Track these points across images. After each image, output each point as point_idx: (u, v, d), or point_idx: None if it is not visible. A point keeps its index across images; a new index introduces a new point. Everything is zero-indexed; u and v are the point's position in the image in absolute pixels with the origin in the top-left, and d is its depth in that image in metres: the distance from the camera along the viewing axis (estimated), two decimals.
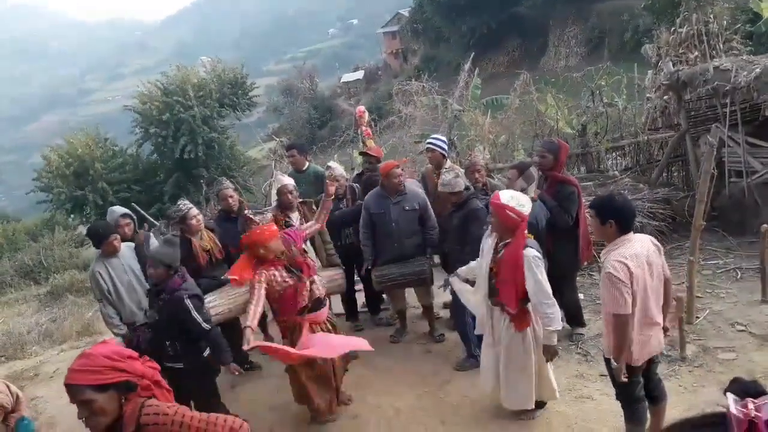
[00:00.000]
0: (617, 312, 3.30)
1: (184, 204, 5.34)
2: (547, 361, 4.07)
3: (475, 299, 4.37)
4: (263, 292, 4.28)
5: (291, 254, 4.43)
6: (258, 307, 4.21)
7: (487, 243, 4.16)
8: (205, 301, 4.56)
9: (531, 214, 4.52)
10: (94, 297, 5.31)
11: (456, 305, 5.04)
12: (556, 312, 3.88)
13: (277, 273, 4.35)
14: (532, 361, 4.09)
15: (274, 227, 4.51)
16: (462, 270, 4.54)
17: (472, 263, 4.45)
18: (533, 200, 4.70)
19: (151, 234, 5.89)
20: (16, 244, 19.47)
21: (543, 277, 3.84)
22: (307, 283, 4.46)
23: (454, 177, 4.97)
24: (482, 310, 4.29)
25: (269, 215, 4.96)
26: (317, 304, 4.54)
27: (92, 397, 2.08)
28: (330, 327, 4.69)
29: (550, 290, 3.86)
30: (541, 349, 4.03)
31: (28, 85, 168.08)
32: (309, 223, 4.95)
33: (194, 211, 5.31)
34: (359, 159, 8.25)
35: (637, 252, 3.36)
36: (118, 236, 5.14)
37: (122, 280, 5.06)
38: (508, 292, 3.95)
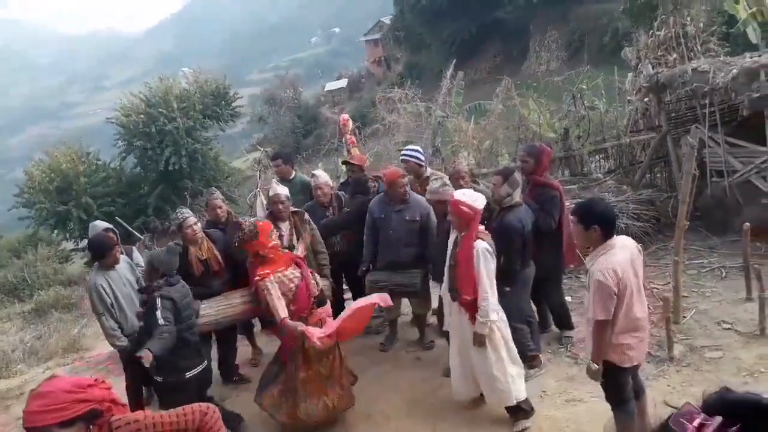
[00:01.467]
0: (599, 318, 3.37)
1: (182, 213, 5.32)
2: (475, 344, 4.24)
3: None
4: (276, 287, 4.41)
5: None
6: (280, 301, 4.38)
7: (450, 241, 4.42)
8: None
9: (516, 218, 4.60)
10: (93, 311, 5.22)
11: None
12: (490, 305, 4.12)
13: (287, 272, 4.52)
14: (503, 355, 4.27)
15: (263, 222, 4.63)
16: None
17: None
18: (519, 205, 4.73)
19: (134, 248, 5.84)
20: None
21: (486, 270, 4.12)
22: (310, 274, 4.69)
23: (441, 185, 5.00)
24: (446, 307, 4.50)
25: (255, 219, 4.96)
26: (321, 300, 4.75)
27: None
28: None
29: (489, 284, 4.12)
30: (505, 349, 4.29)
31: (9, 98, 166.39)
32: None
33: (191, 220, 5.29)
34: (343, 168, 8.24)
35: (623, 258, 3.42)
36: (120, 248, 5.16)
37: (122, 292, 5.05)
38: (464, 281, 4.15)
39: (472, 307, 4.18)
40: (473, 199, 4.15)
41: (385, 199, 5.61)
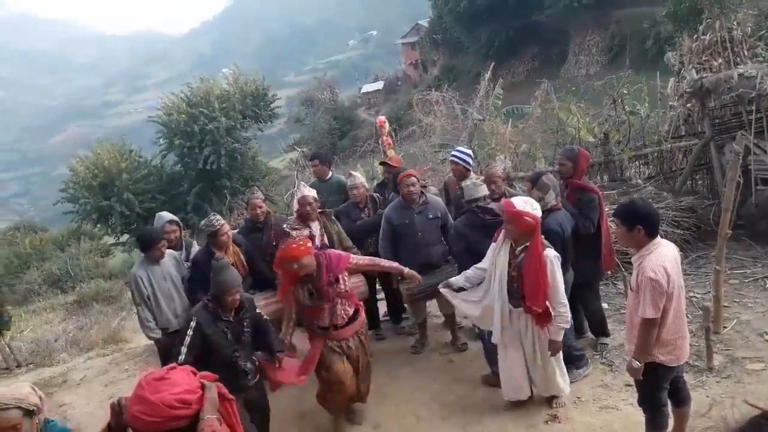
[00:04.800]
0: (649, 316, 3.35)
1: (217, 220, 5.37)
2: (552, 355, 4.27)
3: (478, 309, 4.52)
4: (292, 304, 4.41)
5: (318, 278, 4.39)
6: (290, 323, 4.40)
7: (501, 250, 4.31)
8: None
9: (555, 222, 4.56)
10: (132, 300, 5.41)
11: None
12: (568, 311, 4.16)
13: (300, 291, 4.41)
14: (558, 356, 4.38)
15: (309, 244, 4.41)
16: (456, 280, 4.60)
17: (468, 272, 4.57)
18: (557, 209, 4.68)
19: (194, 242, 5.95)
20: (44, 254, 19.89)
21: (560, 277, 4.11)
22: (326, 308, 4.44)
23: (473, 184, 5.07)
24: (497, 317, 4.37)
25: (306, 231, 4.98)
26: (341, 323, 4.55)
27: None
28: (359, 340, 4.69)
29: (563, 290, 4.12)
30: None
31: (52, 97, 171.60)
32: (361, 258, 4.82)
33: (226, 227, 5.38)
34: (380, 169, 8.28)
35: (672, 255, 3.47)
36: (166, 244, 5.26)
37: (161, 287, 5.16)
38: (535, 293, 4.08)
39: (542, 318, 4.16)
40: (534, 207, 4.09)
41: (403, 203, 5.56)
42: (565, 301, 4.12)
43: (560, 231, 4.54)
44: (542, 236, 4.15)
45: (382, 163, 7.04)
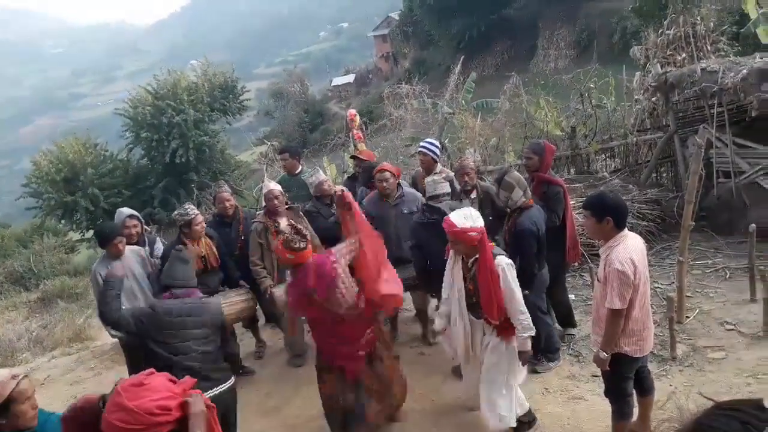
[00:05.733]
0: (616, 307, 3.39)
1: (192, 209, 5.28)
2: (522, 365, 4.06)
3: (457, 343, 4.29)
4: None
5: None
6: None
7: (453, 268, 4.14)
8: None
9: (530, 220, 4.52)
10: (94, 297, 5.31)
11: None
12: (528, 318, 3.90)
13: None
14: (515, 375, 4.09)
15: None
16: (438, 324, 4.37)
17: (441, 309, 4.37)
18: (530, 206, 4.67)
19: (158, 238, 5.84)
20: (6, 251, 19.31)
21: (516, 285, 3.88)
22: None
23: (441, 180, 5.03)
24: (460, 335, 4.18)
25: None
26: None
27: None
28: None
29: (522, 298, 3.90)
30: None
31: (20, 88, 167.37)
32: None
33: (200, 217, 5.31)
34: (351, 162, 8.24)
35: (639, 247, 3.51)
36: (124, 240, 5.09)
37: (123, 284, 5.03)
38: (489, 304, 3.88)
39: (505, 330, 3.97)
40: (473, 219, 3.85)
41: (380, 196, 5.57)
42: (524, 308, 3.89)
43: (536, 230, 4.52)
44: (492, 243, 3.99)
45: (352, 157, 7.01)
